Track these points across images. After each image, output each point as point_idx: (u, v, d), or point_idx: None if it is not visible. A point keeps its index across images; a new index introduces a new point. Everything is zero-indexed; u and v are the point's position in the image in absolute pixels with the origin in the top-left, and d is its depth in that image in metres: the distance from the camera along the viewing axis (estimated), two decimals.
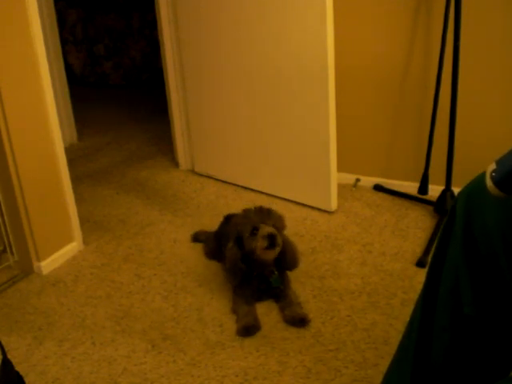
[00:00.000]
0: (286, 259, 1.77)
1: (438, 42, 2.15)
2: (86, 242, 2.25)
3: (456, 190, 2.21)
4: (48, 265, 2.06)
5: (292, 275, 1.85)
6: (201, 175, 2.87)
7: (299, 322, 1.66)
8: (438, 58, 2.15)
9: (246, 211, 1.77)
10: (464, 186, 0.97)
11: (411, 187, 2.42)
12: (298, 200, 2.47)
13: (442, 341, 0.97)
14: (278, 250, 1.69)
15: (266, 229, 1.67)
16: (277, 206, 2.44)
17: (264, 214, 1.72)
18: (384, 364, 1.43)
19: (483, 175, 0.92)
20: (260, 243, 1.67)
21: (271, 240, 1.65)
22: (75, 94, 3.68)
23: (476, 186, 0.92)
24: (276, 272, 1.75)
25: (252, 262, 1.73)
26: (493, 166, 0.72)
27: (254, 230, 1.68)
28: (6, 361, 1.23)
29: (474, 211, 0.91)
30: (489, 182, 0.72)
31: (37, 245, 2.01)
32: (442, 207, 2.24)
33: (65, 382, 1.51)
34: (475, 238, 0.90)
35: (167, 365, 1.54)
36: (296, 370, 1.49)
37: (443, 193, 2.24)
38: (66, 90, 3.41)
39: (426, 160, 2.28)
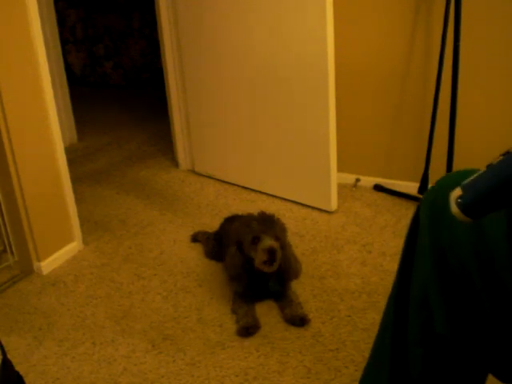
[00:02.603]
0: (286, 270, 1.74)
1: (438, 42, 2.15)
2: (85, 242, 2.25)
3: None
4: (48, 265, 2.06)
5: None
6: (201, 175, 2.87)
7: (299, 321, 1.66)
8: (438, 58, 2.15)
9: (249, 217, 1.74)
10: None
11: (411, 187, 2.42)
12: (298, 200, 2.47)
13: (416, 355, 0.92)
14: (276, 265, 1.65)
15: (267, 242, 1.63)
16: (277, 206, 2.44)
17: (266, 222, 1.68)
18: None
19: (448, 179, 0.87)
20: (260, 256, 1.64)
21: (271, 255, 1.62)
22: (75, 94, 3.69)
23: (442, 192, 0.85)
24: (274, 277, 1.74)
25: (251, 267, 1.72)
26: (458, 192, 0.68)
27: (255, 240, 1.66)
28: (6, 361, 1.23)
29: (441, 222, 0.85)
30: (454, 208, 0.67)
31: (37, 245, 2.01)
32: None
33: (65, 382, 1.51)
34: (444, 251, 0.84)
35: (167, 365, 1.54)
36: (296, 370, 1.49)
37: None
38: (66, 90, 3.41)
39: (426, 160, 2.28)
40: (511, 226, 0.77)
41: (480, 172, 0.67)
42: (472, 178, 0.68)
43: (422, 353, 0.91)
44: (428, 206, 0.88)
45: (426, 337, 0.89)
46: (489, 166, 0.66)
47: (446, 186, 0.84)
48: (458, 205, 0.67)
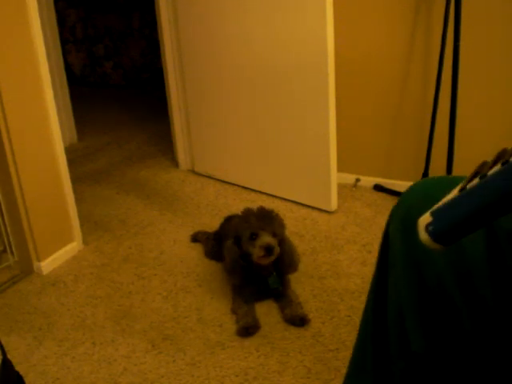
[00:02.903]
0: (285, 263, 1.76)
1: (438, 42, 2.15)
2: (85, 241, 2.25)
3: None
4: (48, 265, 2.06)
5: (292, 275, 1.85)
6: (201, 175, 2.87)
7: (299, 321, 1.66)
8: (438, 58, 2.15)
9: (247, 213, 1.75)
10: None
11: None
12: (298, 200, 2.47)
13: (398, 367, 0.89)
14: (273, 257, 1.69)
15: (265, 238, 1.65)
16: (277, 206, 2.44)
17: (265, 218, 1.70)
18: None
19: (421, 188, 0.84)
20: (257, 251, 1.66)
21: (268, 251, 1.65)
22: (75, 94, 3.69)
23: (414, 206, 0.80)
24: (274, 273, 1.75)
25: (250, 262, 1.73)
26: (428, 219, 0.64)
27: (253, 236, 1.67)
28: (6, 361, 1.23)
29: (416, 239, 0.77)
30: (423, 236, 0.64)
31: (37, 245, 2.01)
32: None
33: (65, 382, 1.51)
34: (420, 269, 0.80)
35: (167, 365, 1.54)
36: (296, 370, 1.49)
37: None
38: (66, 90, 3.41)
39: (426, 160, 2.28)
40: (490, 245, 0.75)
41: (452, 197, 0.64)
42: (442, 203, 0.65)
43: (403, 366, 0.88)
44: (399, 222, 0.85)
45: (404, 352, 0.87)
46: (462, 191, 0.63)
47: (417, 197, 0.82)
48: (429, 233, 0.64)
